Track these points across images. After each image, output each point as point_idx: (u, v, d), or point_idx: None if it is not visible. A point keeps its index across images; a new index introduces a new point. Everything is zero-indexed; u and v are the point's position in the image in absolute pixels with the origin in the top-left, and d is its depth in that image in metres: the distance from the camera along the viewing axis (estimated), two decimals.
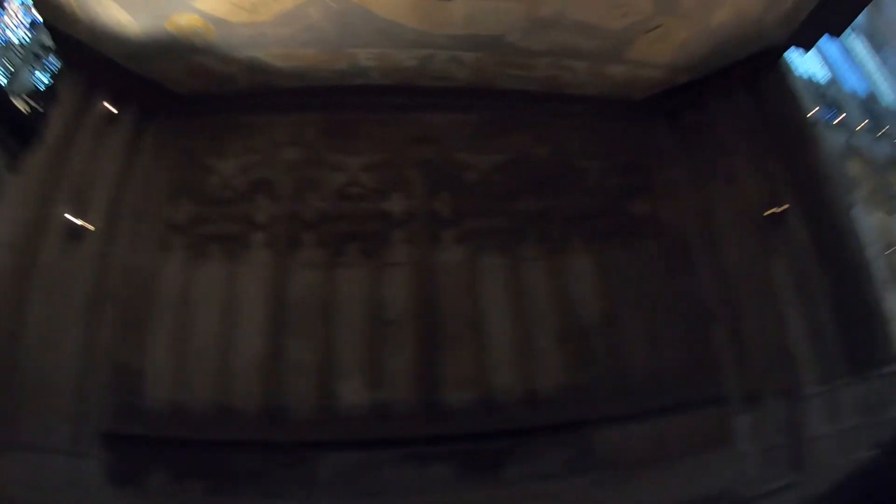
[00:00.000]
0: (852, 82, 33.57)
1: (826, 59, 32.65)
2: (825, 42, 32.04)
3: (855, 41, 36.42)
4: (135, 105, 7.54)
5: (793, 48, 8.38)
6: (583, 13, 7.17)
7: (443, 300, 7.29)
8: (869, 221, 27.80)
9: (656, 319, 7.53)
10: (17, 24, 10.56)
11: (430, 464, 6.33)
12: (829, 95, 29.22)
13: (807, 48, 8.39)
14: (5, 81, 9.71)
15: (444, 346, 7.09)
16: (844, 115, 27.96)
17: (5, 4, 10.21)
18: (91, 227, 6.72)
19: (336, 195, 7.70)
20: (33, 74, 10.36)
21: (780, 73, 8.40)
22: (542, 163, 8.22)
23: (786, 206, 7.54)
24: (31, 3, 8.02)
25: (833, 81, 30.86)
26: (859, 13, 8.24)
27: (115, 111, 7.28)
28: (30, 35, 10.52)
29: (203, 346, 6.85)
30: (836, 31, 8.26)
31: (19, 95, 9.34)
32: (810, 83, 31.73)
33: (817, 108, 29.54)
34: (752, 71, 8.28)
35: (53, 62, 9.55)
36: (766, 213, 7.59)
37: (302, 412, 6.64)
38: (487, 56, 7.72)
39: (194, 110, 7.97)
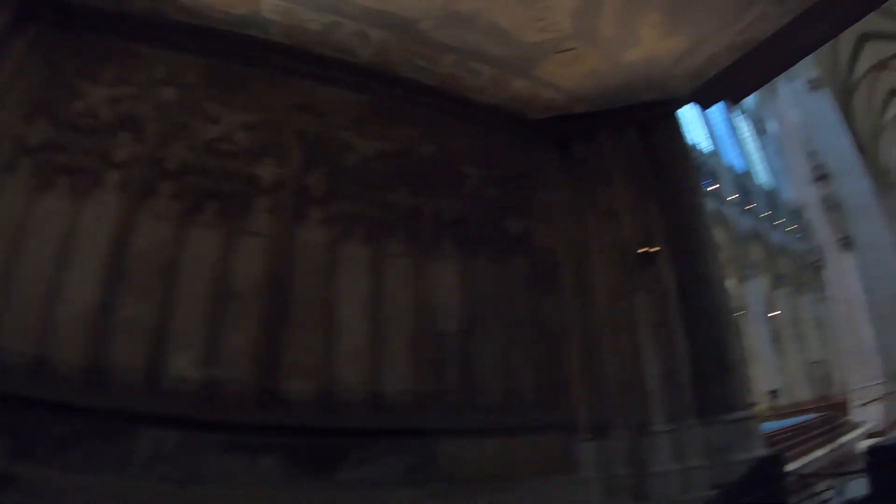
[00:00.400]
0: (731, 157, 36.81)
1: (712, 132, 35.52)
2: (716, 115, 34.56)
3: (742, 121, 39.84)
4: (13, 4, 6.39)
5: (691, 104, 8.84)
6: (501, 17, 7.04)
7: (297, 281, 6.67)
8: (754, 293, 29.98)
9: (514, 338, 7.43)
10: None
11: (258, 454, 5.72)
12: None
13: (704, 106, 8.89)
14: None
15: (291, 331, 6.47)
16: (718, 185, 30.41)
17: None
18: None
19: (205, 148, 6.85)
20: None
21: (674, 123, 8.73)
22: (425, 160, 7.91)
23: (657, 249, 7.83)
24: None
25: (715, 153, 33.60)
26: (759, 87, 8.82)
27: None
28: None
29: (28, 287, 5.73)
30: (735, 99, 8.82)
31: None
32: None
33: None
34: (648, 115, 8.53)
35: None
36: (638, 251, 7.83)
37: (126, 378, 5.69)
38: (395, 38, 7.34)
39: (76, 24, 6.84)
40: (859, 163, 20.25)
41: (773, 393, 22.12)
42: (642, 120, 8.54)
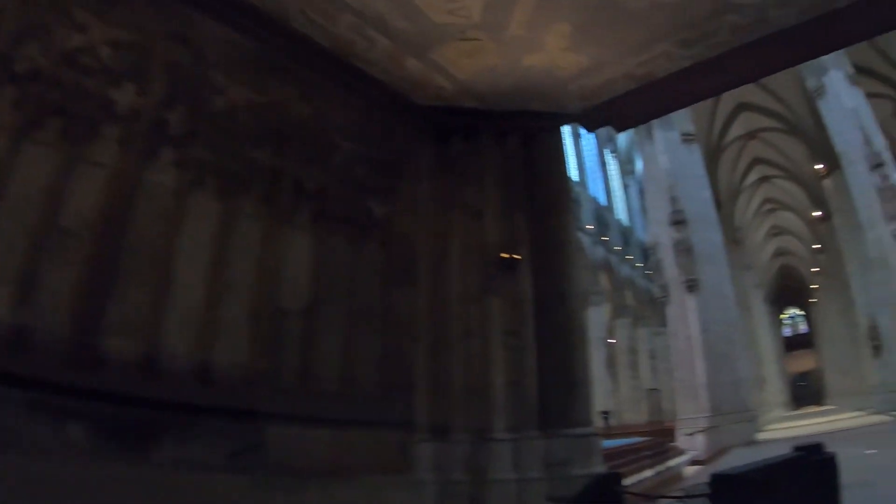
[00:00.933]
0: (595, 190, 38.69)
1: (581, 162, 37.17)
2: (588, 147, 36.02)
3: (612, 159, 41.95)
4: None
5: (576, 123, 8.98)
6: None
7: (135, 226, 5.69)
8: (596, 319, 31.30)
9: (361, 326, 7.04)
10: None
11: (65, 420, 4.76)
12: (603, 216, 33.11)
13: (589, 129, 9.08)
14: None
15: (119, 281, 5.48)
16: (609, 236, 31.75)
17: None
18: None
19: (63, 57, 5.70)
20: None
21: (556, 139, 8.79)
22: (297, 122, 7.19)
23: (519, 257, 7.80)
24: None
25: (581, 182, 35.13)
26: (645, 121, 9.10)
27: None
28: None
29: None
30: (619, 127, 9.07)
31: None
32: (594, 202, 35.85)
33: (593, 226, 33.29)
34: (534, 126, 8.51)
35: None
36: (500, 256, 7.76)
37: None
38: None
39: None
40: (715, 216, 21.76)
41: (605, 414, 23.20)
42: (527, 128, 8.52)
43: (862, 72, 22.36)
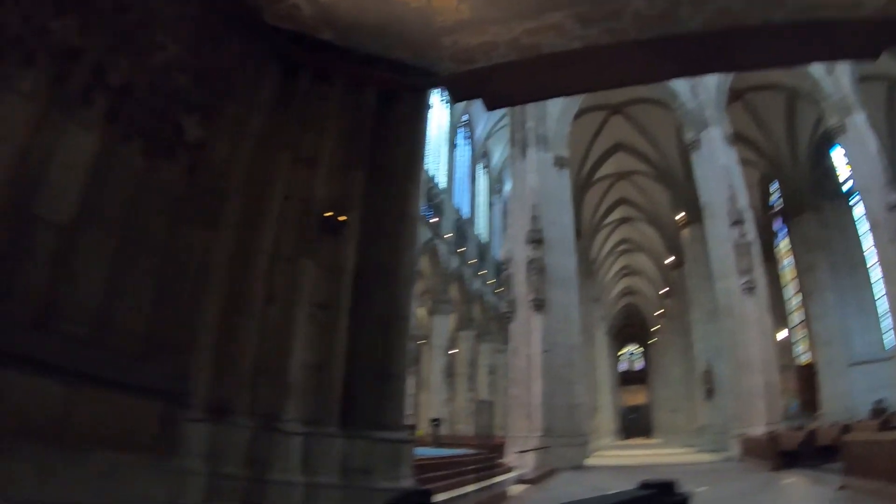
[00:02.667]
0: (461, 201, 39.00)
1: (452, 171, 37.29)
2: (462, 158, 36.15)
3: (482, 174, 42.44)
4: None
5: (443, 89, 8.02)
6: None
7: None
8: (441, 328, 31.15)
9: (139, 263, 5.49)
10: None
11: None
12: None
13: (455, 98, 8.18)
14: None
15: None
16: (440, 220, 31.71)
17: None
18: None
19: None
20: None
21: (420, 103, 7.76)
22: (119, 4, 5.58)
23: (345, 218, 6.69)
24: None
25: (447, 191, 35.24)
26: (516, 103, 8.38)
27: None
28: None
29: None
30: (489, 103, 8.26)
31: None
32: (457, 212, 35.88)
33: (452, 235, 33.26)
34: (397, 81, 7.44)
35: None
36: (324, 215, 6.62)
37: None
38: None
39: None
40: (573, 242, 22.04)
41: (436, 422, 22.94)
42: (387, 83, 7.43)
43: (738, 137, 23.74)
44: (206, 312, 5.98)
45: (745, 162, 25.71)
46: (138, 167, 5.64)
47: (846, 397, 26.39)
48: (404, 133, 7.53)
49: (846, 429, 13.75)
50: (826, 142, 28.64)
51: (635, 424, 57.52)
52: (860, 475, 9.29)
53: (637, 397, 61.53)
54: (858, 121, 21.78)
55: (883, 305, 26.66)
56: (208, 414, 5.70)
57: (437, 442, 20.44)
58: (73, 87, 5.16)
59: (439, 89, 8.28)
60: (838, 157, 29.86)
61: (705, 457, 21.87)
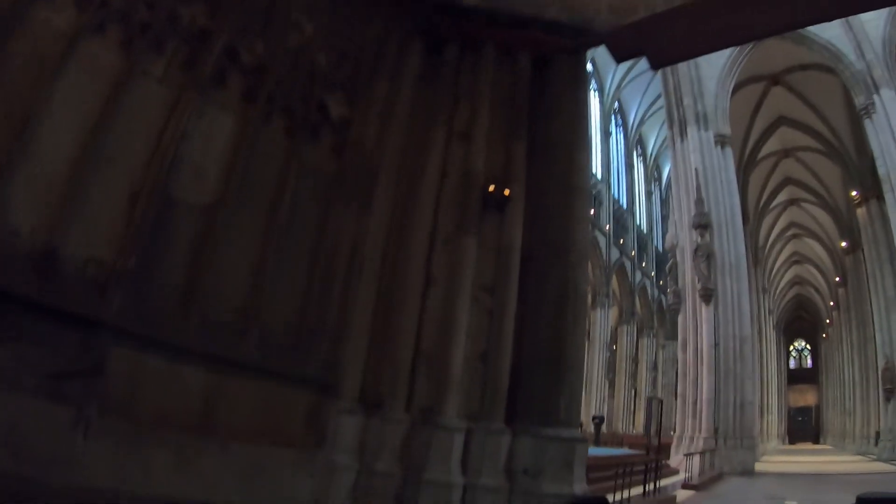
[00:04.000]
0: (617, 191, 37.82)
1: (608, 161, 36.19)
2: (616, 148, 34.94)
3: (640, 163, 40.96)
4: None
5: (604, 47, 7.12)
6: None
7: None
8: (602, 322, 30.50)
9: (284, 247, 5.17)
10: None
11: None
12: (623, 219, 32.17)
13: (618, 57, 7.27)
14: None
15: None
16: (625, 240, 30.65)
17: None
18: None
19: None
20: None
21: (578, 64, 6.94)
22: None
23: (508, 192, 6.03)
24: None
25: (604, 181, 34.15)
26: (683, 58, 7.46)
27: None
28: None
29: None
30: (654, 60, 7.34)
31: None
32: (616, 203, 35.00)
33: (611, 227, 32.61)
34: (550, 44, 6.67)
35: None
36: (487, 189, 5.99)
37: None
38: None
39: None
40: (742, 225, 20.31)
41: (598, 420, 22.00)
42: (541, 46, 6.68)
43: None
44: (360, 298, 5.55)
45: None
46: (282, 147, 5.36)
47: None
48: (565, 99, 6.71)
49: None
50: None
51: (803, 428, 53.21)
52: None
53: (805, 398, 56.75)
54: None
55: None
56: (360, 406, 5.32)
57: (599, 440, 19.50)
58: (206, 69, 4.93)
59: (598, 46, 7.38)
60: None
61: (885, 467, 19.27)
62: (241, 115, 5.15)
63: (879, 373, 24.57)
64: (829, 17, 8.26)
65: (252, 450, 4.50)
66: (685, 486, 13.36)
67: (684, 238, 19.04)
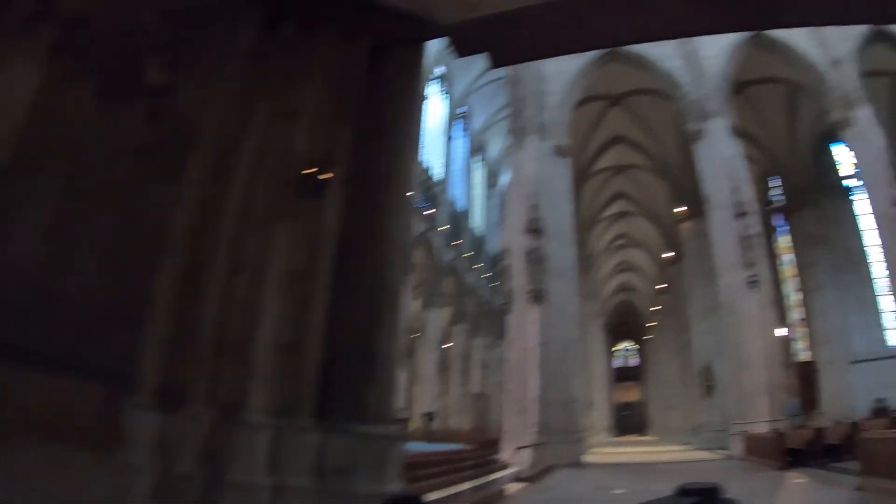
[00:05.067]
0: (457, 193, 38.57)
1: (449, 163, 36.93)
2: (458, 150, 35.64)
3: (480, 167, 42.06)
4: None
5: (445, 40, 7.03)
6: None
7: None
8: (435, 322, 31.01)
9: (85, 215, 4.63)
10: None
11: None
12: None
13: (460, 52, 7.10)
14: None
15: None
16: (435, 212, 31.13)
17: None
18: None
19: None
20: None
21: (417, 58, 6.85)
22: None
23: (330, 175, 5.77)
24: None
25: (443, 183, 34.82)
26: (525, 59, 7.51)
27: None
28: None
29: None
30: (497, 59, 7.34)
31: None
32: (452, 205, 35.42)
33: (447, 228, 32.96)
34: (392, 30, 6.51)
35: None
36: (304, 172, 5.67)
37: None
38: None
39: None
40: (572, 233, 21.45)
41: (429, 416, 22.36)
42: (382, 34, 6.50)
43: (739, 132, 23.22)
44: (162, 281, 4.96)
45: (746, 157, 25.27)
46: (90, 110, 4.78)
47: (846, 396, 25.99)
48: (399, 88, 6.63)
49: (856, 427, 13.18)
50: (827, 137, 28.52)
51: (629, 421, 57.43)
52: (882, 475, 8.60)
53: (631, 394, 61.34)
54: (864, 115, 21.31)
55: (885, 302, 26.40)
56: (159, 401, 4.73)
57: (430, 436, 19.84)
58: (15, 14, 4.41)
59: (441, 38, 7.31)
60: (839, 152, 29.98)
61: (705, 455, 21.46)
62: (47, 70, 4.62)
63: (698, 372, 27.05)
64: (671, 35, 8.76)
65: (43, 448, 3.94)
66: (517, 479, 13.88)
67: (517, 242, 19.78)
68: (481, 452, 13.91)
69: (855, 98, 21.52)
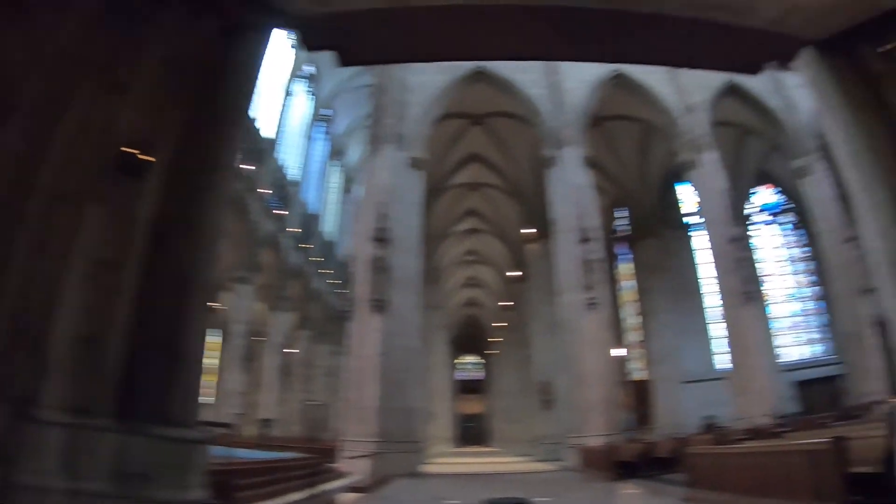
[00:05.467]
0: (309, 195, 37.92)
1: (306, 165, 36.29)
2: (317, 153, 35.00)
3: (337, 172, 41.51)
4: None
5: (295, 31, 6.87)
6: None
7: None
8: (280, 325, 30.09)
9: None
10: None
11: None
12: (310, 224, 32.04)
13: (308, 46, 6.77)
14: None
15: None
16: (287, 213, 30.43)
17: None
18: None
19: None
20: None
21: (260, 43, 6.59)
22: None
23: (150, 159, 5.36)
24: None
25: (297, 184, 34.25)
26: (375, 62, 7.43)
27: None
28: None
29: None
30: (343, 57, 7.13)
31: None
32: (305, 207, 34.45)
33: (299, 230, 32.07)
34: (238, 10, 6.19)
35: None
36: (122, 150, 5.23)
37: None
38: None
39: None
40: (420, 246, 21.65)
41: (267, 422, 21.74)
42: (228, 16, 6.18)
43: (592, 163, 24.66)
44: None
45: (596, 187, 27.00)
46: None
47: (677, 413, 28.28)
48: (237, 75, 6.39)
49: (684, 442, 14.16)
50: (674, 176, 31.07)
51: (473, 433, 58.79)
52: (706, 487, 9.27)
53: (475, 406, 62.73)
54: (710, 158, 23.61)
55: (714, 329, 29.10)
56: None
57: (266, 444, 19.20)
58: None
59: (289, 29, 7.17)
60: (683, 191, 32.80)
61: (543, 466, 22.16)
62: None
63: (538, 386, 28.19)
64: (521, 56, 9.09)
65: None
66: (351, 488, 13.64)
67: (365, 249, 19.64)
68: (317, 461, 13.59)
69: (703, 143, 23.91)
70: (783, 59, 7.34)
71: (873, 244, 6.61)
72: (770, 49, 7.12)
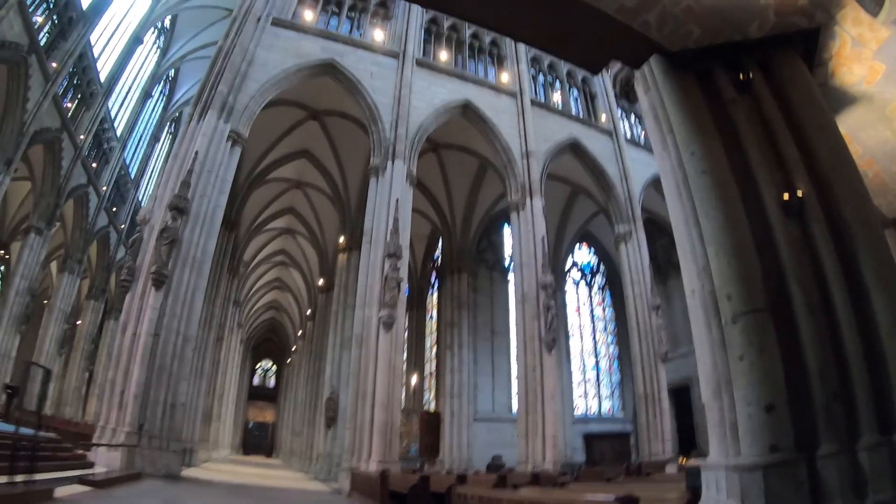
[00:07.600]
0: (146, 192, 34.15)
1: (147, 162, 32.80)
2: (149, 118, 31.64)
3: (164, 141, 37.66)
4: None
5: None
6: None
7: None
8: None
9: None
10: None
11: None
12: (127, 186, 28.63)
13: None
14: None
15: None
16: (119, 210, 27.10)
17: None
18: None
19: None
20: None
21: None
22: None
23: None
24: None
25: (136, 182, 30.82)
26: None
27: None
28: None
29: None
30: None
31: None
32: (125, 166, 30.82)
33: (111, 190, 28.69)
34: None
35: None
36: None
37: None
38: None
39: None
40: (220, 226, 19.79)
41: (11, 391, 18.64)
42: None
43: (421, 186, 24.46)
44: None
45: (421, 213, 26.82)
46: None
47: (467, 448, 28.21)
48: None
49: (462, 479, 13.56)
50: (501, 216, 31.62)
51: (258, 442, 56.39)
52: None
53: (265, 415, 60.22)
54: (536, 204, 24.10)
55: (514, 371, 29.66)
56: None
57: (8, 417, 16.21)
58: None
59: None
60: (506, 231, 33.52)
61: (315, 486, 20.97)
62: None
63: (325, 401, 26.94)
64: None
65: None
66: (82, 481, 11.66)
67: (158, 216, 17.69)
68: (57, 444, 11.57)
69: (534, 189, 24.55)
70: (630, 61, 7.07)
71: (691, 284, 6.30)
72: (619, 44, 6.78)
